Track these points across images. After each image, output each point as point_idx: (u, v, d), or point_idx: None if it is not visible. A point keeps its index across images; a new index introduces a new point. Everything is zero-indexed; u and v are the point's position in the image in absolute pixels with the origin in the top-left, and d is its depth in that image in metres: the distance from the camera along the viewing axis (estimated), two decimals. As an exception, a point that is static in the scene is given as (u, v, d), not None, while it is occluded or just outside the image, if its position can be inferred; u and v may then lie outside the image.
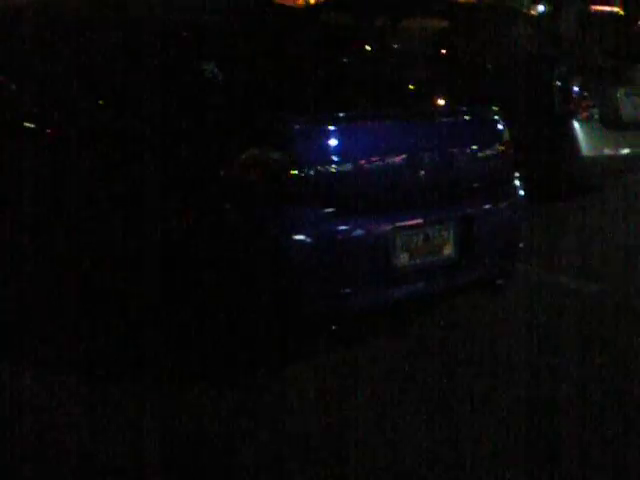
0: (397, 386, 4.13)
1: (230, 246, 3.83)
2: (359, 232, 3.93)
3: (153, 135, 4.13)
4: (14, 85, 5.07)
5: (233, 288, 3.85)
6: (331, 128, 3.93)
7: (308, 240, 3.80)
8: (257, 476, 3.42)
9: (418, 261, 4.10)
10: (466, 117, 4.67)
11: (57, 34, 4.91)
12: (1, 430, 3.59)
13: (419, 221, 4.12)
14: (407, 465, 3.52)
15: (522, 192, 4.65)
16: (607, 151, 7.75)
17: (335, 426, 3.76)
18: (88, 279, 4.32)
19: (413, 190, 4.12)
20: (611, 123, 7.73)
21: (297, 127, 3.86)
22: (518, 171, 4.69)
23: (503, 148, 4.56)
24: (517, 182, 4.66)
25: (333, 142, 3.93)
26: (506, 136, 4.58)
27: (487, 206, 4.45)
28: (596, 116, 7.63)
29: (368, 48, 6.05)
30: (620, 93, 7.89)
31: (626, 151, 7.87)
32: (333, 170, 3.86)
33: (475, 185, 4.42)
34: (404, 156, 4.10)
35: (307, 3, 15.48)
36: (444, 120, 4.54)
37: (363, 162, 3.98)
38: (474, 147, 4.45)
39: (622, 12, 15.98)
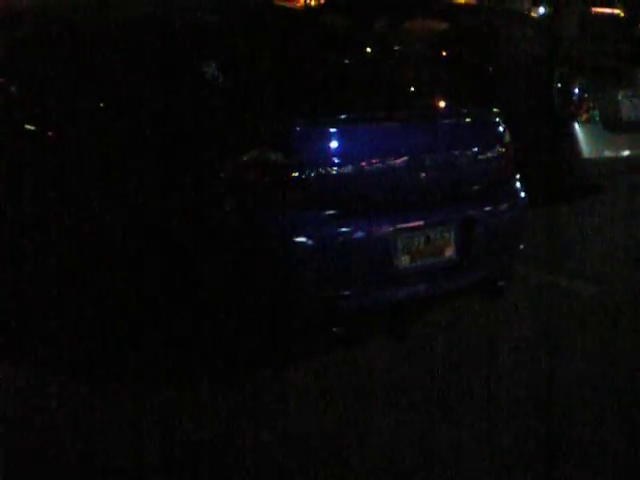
0: (397, 386, 4.13)
1: (230, 247, 3.83)
2: (360, 234, 3.93)
3: (153, 136, 4.14)
4: (13, 86, 5.08)
5: (233, 289, 3.85)
6: (332, 130, 3.93)
7: (309, 241, 3.79)
8: (257, 476, 3.42)
9: (419, 263, 4.10)
10: (467, 119, 4.67)
11: (57, 34, 4.91)
12: (1, 430, 3.59)
13: (420, 223, 4.11)
14: (407, 465, 3.52)
15: (522, 194, 4.65)
16: (607, 153, 7.74)
17: (335, 426, 3.77)
18: (88, 279, 4.32)
19: (414, 192, 4.12)
20: (612, 125, 7.72)
21: (298, 128, 3.85)
22: (519, 173, 4.69)
23: (503, 150, 4.57)
24: (517, 184, 4.66)
25: (334, 144, 3.93)
26: (506, 138, 4.59)
27: (488, 208, 4.45)
28: (597, 118, 7.61)
29: (369, 50, 6.05)
30: (621, 95, 7.88)
31: (626, 153, 7.86)
32: (334, 172, 3.86)
33: (476, 187, 4.43)
34: (405, 158, 4.10)
35: (307, 4, 15.52)
36: (445, 122, 4.53)
37: (363, 164, 3.97)
38: (475, 149, 4.45)
39: (623, 14, 16.02)
